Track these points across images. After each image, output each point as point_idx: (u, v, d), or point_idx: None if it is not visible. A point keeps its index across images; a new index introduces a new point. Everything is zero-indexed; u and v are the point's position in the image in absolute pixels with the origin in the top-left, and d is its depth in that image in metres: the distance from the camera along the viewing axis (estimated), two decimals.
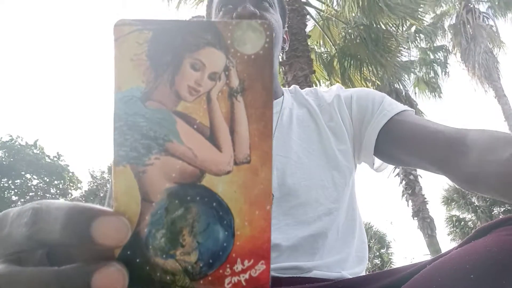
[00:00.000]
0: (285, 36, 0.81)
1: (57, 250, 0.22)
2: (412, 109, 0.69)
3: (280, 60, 3.78)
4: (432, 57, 9.96)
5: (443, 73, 9.96)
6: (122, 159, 0.19)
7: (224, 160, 0.19)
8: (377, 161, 0.73)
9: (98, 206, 0.19)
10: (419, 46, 9.50)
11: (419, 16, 4.81)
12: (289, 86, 0.85)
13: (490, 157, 0.48)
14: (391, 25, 4.82)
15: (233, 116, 0.19)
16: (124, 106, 0.19)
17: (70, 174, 16.52)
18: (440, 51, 10.17)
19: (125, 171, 0.19)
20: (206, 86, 0.19)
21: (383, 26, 4.79)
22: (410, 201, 8.49)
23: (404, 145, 0.64)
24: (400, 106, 0.68)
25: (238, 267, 0.19)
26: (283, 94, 0.78)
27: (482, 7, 11.71)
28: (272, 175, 0.53)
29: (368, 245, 0.78)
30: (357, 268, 0.66)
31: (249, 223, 0.19)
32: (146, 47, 0.19)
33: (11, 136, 15.24)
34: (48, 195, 15.43)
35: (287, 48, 0.83)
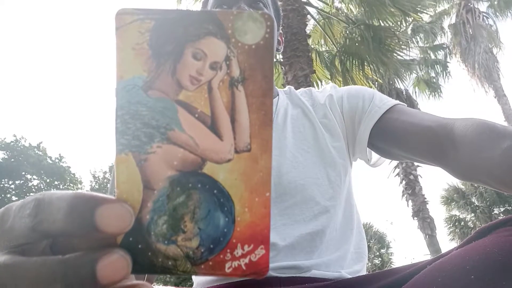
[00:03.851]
0: (279, 38, 0.81)
1: (60, 240, 0.22)
2: (404, 103, 0.69)
3: (281, 60, 3.78)
4: (432, 56, 9.96)
5: (443, 73, 9.95)
6: (124, 147, 0.19)
7: (225, 148, 0.20)
8: (374, 157, 0.73)
9: (101, 194, 0.19)
10: (420, 45, 9.50)
11: (421, 10, 4.79)
12: (288, 86, 0.86)
13: (482, 154, 0.48)
14: (392, 22, 4.81)
15: (234, 105, 0.20)
16: (126, 95, 0.19)
17: (71, 175, 16.54)
18: (440, 50, 10.17)
19: (127, 159, 0.19)
20: (207, 75, 0.19)
21: (384, 24, 4.78)
22: (410, 201, 8.48)
23: (397, 142, 0.64)
24: (391, 102, 0.68)
25: (238, 252, 0.20)
26: (278, 95, 0.79)
27: (482, 6, 11.72)
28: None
29: (368, 245, 0.78)
30: (356, 266, 0.66)
31: (249, 210, 0.20)
32: (148, 37, 0.19)
33: (15, 136, 15.26)
34: None
35: (281, 50, 0.83)
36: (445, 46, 10.58)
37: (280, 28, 0.82)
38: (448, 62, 10.22)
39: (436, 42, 10.30)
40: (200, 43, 0.19)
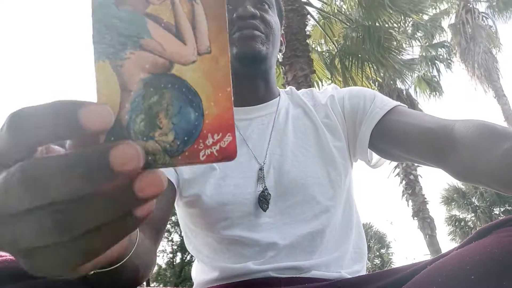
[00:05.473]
0: (281, 39, 0.81)
1: None
2: (404, 105, 0.70)
3: (281, 60, 3.78)
4: (433, 54, 9.94)
5: (444, 71, 9.92)
6: (101, 55, 0.21)
7: (189, 51, 0.22)
8: (374, 158, 0.73)
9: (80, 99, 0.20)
10: (420, 45, 9.49)
11: (420, 11, 4.79)
12: (289, 86, 0.86)
13: (483, 155, 0.48)
14: (392, 22, 4.81)
15: (194, 15, 0.22)
16: (101, 10, 0.22)
17: None
18: (441, 49, 10.16)
19: (105, 66, 0.21)
20: None
21: (384, 24, 4.78)
22: (410, 201, 8.49)
23: (398, 143, 0.64)
24: (392, 103, 0.68)
25: (209, 141, 0.22)
26: (279, 95, 0.79)
27: (481, 7, 11.73)
28: (268, 172, 0.54)
29: (368, 245, 0.78)
30: (356, 266, 0.67)
31: (215, 104, 0.22)
32: None
33: None
34: None
35: (284, 50, 0.83)
36: (446, 44, 10.56)
37: (282, 28, 0.82)
38: (449, 61, 10.22)
39: (436, 41, 10.30)
40: None
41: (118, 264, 0.34)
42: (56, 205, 0.19)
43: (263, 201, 0.63)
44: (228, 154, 0.22)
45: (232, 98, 0.22)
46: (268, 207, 0.63)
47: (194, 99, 0.22)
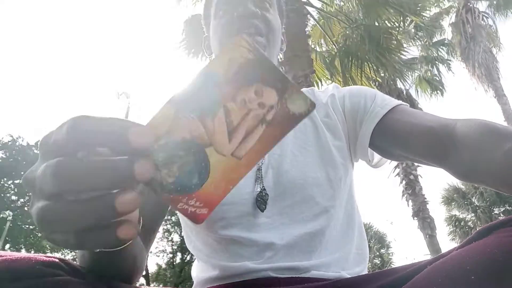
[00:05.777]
0: (282, 38, 0.81)
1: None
2: (406, 104, 0.69)
3: (281, 60, 3.77)
4: (435, 55, 9.92)
5: (445, 71, 9.92)
6: (174, 103, 0.27)
7: (228, 148, 0.28)
8: (375, 158, 0.73)
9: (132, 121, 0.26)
10: (421, 43, 9.47)
11: (419, 11, 4.78)
12: None
13: (484, 155, 0.48)
14: (392, 23, 4.80)
15: (252, 132, 0.28)
16: (202, 79, 0.27)
17: None
18: (442, 48, 10.13)
19: (169, 110, 0.27)
20: (253, 106, 0.28)
21: (384, 24, 4.78)
22: (410, 201, 8.48)
23: (399, 143, 0.63)
24: (393, 102, 0.68)
25: (192, 202, 0.28)
26: None
27: (482, 6, 11.72)
28: (267, 172, 0.62)
29: (368, 245, 0.78)
30: (357, 268, 0.66)
31: (215, 187, 0.28)
32: (243, 60, 0.27)
33: (11, 136, 15.27)
34: None
35: (284, 49, 0.83)
36: (447, 42, 10.52)
37: (283, 27, 0.82)
38: (450, 60, 10.20)
39: (436, 40, 10.28)
40: (265, 88, 0.27)
41: (121, 247, 0.37)
42: (69, 197, 0.25)
43: (260, 201, 0.63)
44: (196, 219, 0.29)
45: (229, 193, 0.29)
46: (265, 208, 0.63)
47: (204, 174, 0.28)
